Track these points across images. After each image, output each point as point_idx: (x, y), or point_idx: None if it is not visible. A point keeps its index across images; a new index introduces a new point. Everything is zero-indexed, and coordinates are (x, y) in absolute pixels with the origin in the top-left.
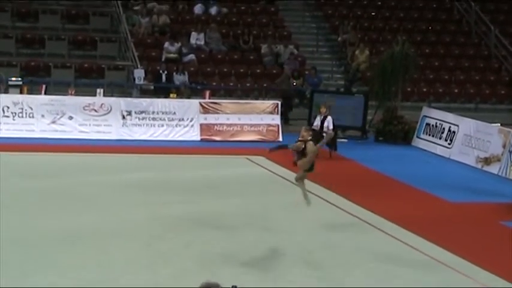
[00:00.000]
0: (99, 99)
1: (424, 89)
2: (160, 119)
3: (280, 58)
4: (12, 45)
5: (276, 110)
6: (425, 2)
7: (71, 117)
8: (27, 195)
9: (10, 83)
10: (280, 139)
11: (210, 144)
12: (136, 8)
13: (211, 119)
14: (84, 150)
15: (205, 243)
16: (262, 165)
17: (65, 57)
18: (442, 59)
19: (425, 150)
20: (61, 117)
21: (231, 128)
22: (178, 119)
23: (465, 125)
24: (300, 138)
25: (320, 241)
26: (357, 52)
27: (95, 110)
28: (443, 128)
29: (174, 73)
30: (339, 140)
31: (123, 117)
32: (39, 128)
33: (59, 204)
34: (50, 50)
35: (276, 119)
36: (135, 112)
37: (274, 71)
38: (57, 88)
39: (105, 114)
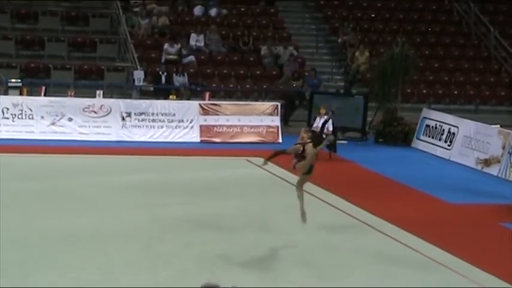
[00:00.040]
0: (99, 100)
1: (424, 91)
2: (160, 120)
3: (280, 59)
4: (12, 46)
5: (276, 112)
6: (425, 4)
7: (70, 119)
8: (27, 197)
9: (10, 84)
10: (280, 140)
11: (210, 146)
12: (135, 9)
13: (211, 120)
14: (84, 151)
15: (205, 245)
16: (261, 166)
17: (65, 58)
18: (441, 61)
19: (425, 151)
20: (61, 118)
21: (231, 130)
22: (178, 121)
23: (465, 127)
24: (299, 141)
25: (320, 242)
26: (356, 53)
27: (95, 112)
28: (443, 130)
29: (174, 74)
30: (338, 141)
31: (123, 119)
32: (38, 129)
33: (58, 206)
34: (50, 52)
35: (276, 121)
36: (135, 113)
37: (274, 73)
38: (56, 90)
39: (104, 116)
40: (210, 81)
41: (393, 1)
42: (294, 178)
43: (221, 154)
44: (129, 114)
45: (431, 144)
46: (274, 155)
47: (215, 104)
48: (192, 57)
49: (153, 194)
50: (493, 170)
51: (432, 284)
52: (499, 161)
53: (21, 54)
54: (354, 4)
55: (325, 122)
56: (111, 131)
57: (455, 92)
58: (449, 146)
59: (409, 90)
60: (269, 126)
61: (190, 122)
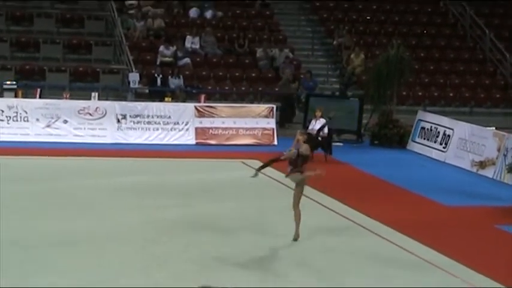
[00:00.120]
0: (94, 103)
1: (419, 93)
2: (155, 122)
3: (276, 62)
4: (7, 48)
5: (271, 114)
6: (420, 6)
7: (65, 121)
8: (22, 199)
9: (5, 86)
10: (276, 143)
11: (205, 148)
12: (131, 11)
13: (206, 122)
14: (79, 154)
15: (200, 246)
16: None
17: (60, 60)
18: (437, 63)
19: (420, 154)
20: (56, 121)
21: (226, 132)
22: (173, 123)
23: (460, 129)
24: (294, 143)
25: (315, 245)
26: (352, 56)
27: (90, 114)
28: (439, 132)
29: (169, 77)
30: (334, 143)
31: (118, 121)
32: (34, 131)
33: (53, 208)
34: (45, 54)
35: (271, 123)
36: (130, 116)
37: (270, 75)
38: (52, 92)
39: (100, 118)
40: (206, 83)
41: (388, 3)
42: (290, 181)
43: (216, 156)
44: (124, 117)
45: (427, 147)
46: (267, 164)
47: (210, 106)
48: (187, 60)
49: (148, 196)
50: (488, 172)
51: (428, 285)
52: (494, 163)
53: (16, 56)
54: (350, 6)
55: (323, 126)
56: (107, 133)
57: (451, 94)
58: (444, 148)
59: (404, 93)
60: (264, 129)
61: (186, 124)
